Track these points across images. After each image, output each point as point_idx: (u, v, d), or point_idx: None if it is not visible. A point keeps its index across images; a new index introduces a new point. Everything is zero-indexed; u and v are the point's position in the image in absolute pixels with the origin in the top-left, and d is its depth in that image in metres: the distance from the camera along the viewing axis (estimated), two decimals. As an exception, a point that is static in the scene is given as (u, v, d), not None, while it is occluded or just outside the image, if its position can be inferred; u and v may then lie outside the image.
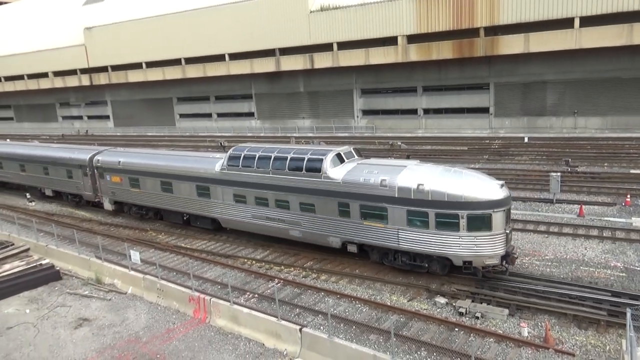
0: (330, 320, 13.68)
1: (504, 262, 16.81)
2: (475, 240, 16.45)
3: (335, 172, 19.34)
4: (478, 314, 14.85)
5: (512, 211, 24.73)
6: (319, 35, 54.54)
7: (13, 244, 24.60)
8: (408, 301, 16.37)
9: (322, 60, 55.37)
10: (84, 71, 77.36)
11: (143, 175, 27.33)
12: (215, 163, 23.82)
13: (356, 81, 57.36)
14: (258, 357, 14.04)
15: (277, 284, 18.43)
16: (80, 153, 32.03)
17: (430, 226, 16.99)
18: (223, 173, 23.15)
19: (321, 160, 19.71)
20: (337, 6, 52.97)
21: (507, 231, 16.70)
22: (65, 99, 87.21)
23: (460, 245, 16.63)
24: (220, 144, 51.52)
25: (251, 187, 22.05)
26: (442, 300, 16.03)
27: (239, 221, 23.26)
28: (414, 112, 54.76)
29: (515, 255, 17.19)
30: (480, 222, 16.38)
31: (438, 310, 15.64)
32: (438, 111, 53.67)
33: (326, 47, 54.61)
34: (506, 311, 14.87)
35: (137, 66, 70.97)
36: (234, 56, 61.93)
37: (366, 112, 58.29)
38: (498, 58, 47.18)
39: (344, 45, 53.55)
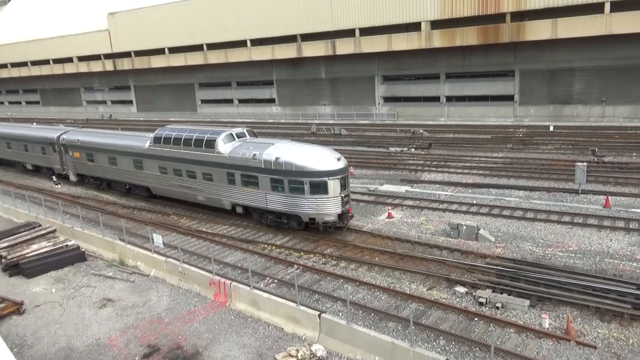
0: (349, 307, 13.76)
1: (342, 220, 21.37)
2: (316, 201, 20.98)
3: (225, 148, 23.83)
4: (498, 304, 14.74)
5: (534, 201, 24.49)
6: (340, 21, 53.99)
7: (40, 225, 25.28)
8: (427, 290, 16.33)
9: (344, 47, 54.88)
10: (108, 56, 78.30)
11: (96, 151, 32.40)
12: (146, 141, 28.52)
13: (378, 67, 56.77)
14: (277, 341, 14.22)
15: (296, 269, 18.57)
16: (51, 132, 37.28)
17: (286, 190, 21.49)
18: (150, 149, 27.90)
19: (215, 139, 24.28)
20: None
21: (342, 195, 21.15)
22: (90, 83, 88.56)
23: (305, 205, 21.20)
24: (241, 129, 51.79)
25: (169, 160, 26.88)
26: (462, 289, 15.95)
27: (163, 189, 28.35)
28: (436, 99, 54.02)
29: (350, 215, 21.82)
30: (319, 187, 20.84)
31: (458, 299, 15.57)
32: (461, 99, 52.84)
33: (348, 33, 54.08)
34: (527, 302, 14.71)
35: (160, 52, 71.48)
36: (256, 42, 61.83)
37: (388, 99, 57.74)
38: (524, 44, 46.09)
39: (366, 31, 52.94)
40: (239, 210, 24.26)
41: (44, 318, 16.79)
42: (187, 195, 26.81)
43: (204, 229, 24.08)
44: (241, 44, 62.91)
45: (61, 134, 35.68)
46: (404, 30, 50.60)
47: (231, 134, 24.51)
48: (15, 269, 20.72)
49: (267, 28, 59.62)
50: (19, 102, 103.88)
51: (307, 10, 56.06)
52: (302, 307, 14.56)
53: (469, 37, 46.96)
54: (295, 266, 18.88)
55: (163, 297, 17.66)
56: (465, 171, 31.34)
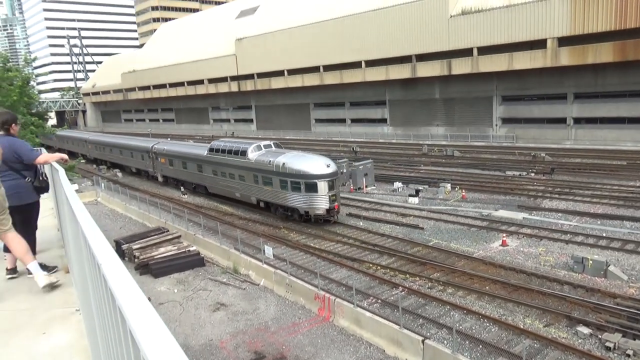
0: (455, 336, 13.17)
1: (330, 214, 26.77)
2: (309, 198, 26.60)
3: (253, 156, 30.35)
4: (629, 352, 13.07)
5: (681, 238, 21.44)
6: (458, 40, 52.75)
7: (168, 230, 27.91)
8: (544, 327, 15.03)
9: (461, 66, 53.42)
10: (234, 78, 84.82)
11: (174, 157, 41.01)
12: (205, 149, 36.19)
13: (497, 87, 54.24)
14: (378, 362, 14.05)
15: (401, 291, 18.25)
16: (147, 143, 47.95)
17: (289, 189, 27.29)
18: (207, 156, 35.46)
19: (247, 148, 31.08)
20: (480, 9, 50.70)
21: (330, 194, 26.41)
22: (216, 103, 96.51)
23: (301, 201, 26.92)
24: (353, 149, 52.55)
25: (218, 165, 34.19)
26: (585, 330, 14.42)
27: (215, 187, 35.61)
28: (562, 121, 50.00)
29: (337, 210, 26.92)
30: (311, 187, 26.43)
31: (580, 341, 14.11)
32: (592, 120, 48.30)
33: (465, 53, 52.61)
34: (667, 353, 12.86)
35: (279, 73, 75.74)
36: (370, 63, 62.77)
37: (506, 121, 54.77)
38: (671, 61, 40.96)
39: (484, 50, 51.06)
40: (262, 204, 30.77)
41: (166, 315, 18.41)
42: (229, 193, 33.99)
43: (311, 244, 24.75)
44: (356, 65, 64.26)
45: (154, 144, 45.36)
46: (527, 47, 47.91)
47: (259, 145, 31.34)
48: (145, 268, 23.08)
49: (383, 49, 60.25)
50: (157, 120, 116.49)
51: (423, 31, 55.69)
52: (405, 331, 14.25)
53: (603, 53, 43.02)
54: (400, 288, 18.56)
55: (270, 307, 18.42)
56: (594, 200, 28.46)
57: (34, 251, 6.57)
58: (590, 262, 18.40)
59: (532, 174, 36.59)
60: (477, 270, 19.61)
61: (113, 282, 2.15)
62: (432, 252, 22.12)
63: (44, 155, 6.80)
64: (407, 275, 19.79)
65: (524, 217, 26.16)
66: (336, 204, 26.84)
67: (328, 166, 26.68)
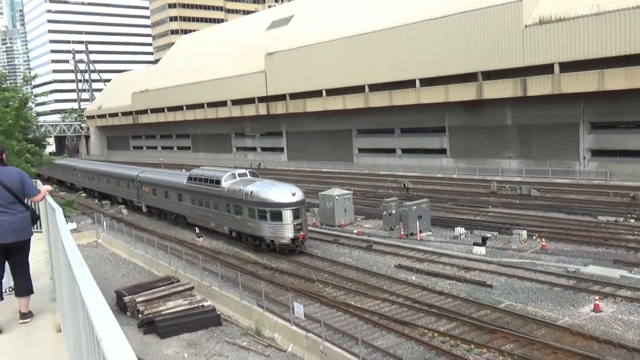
0: None
1: (295, 244, 31.31)
2: (274, 227, 31.09)
3: (226, 185, 35.51)
4: None
5: None
6: (535, 55, 52.53)
7: (178, 280, 28.21)
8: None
9: (538, 86, 52.97)
10: (262, 99, 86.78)
11: (157, 186, 47.06)
12: (184, 178, 42.23)
13: (584, 112, 53.29)
14: None
15: (464, 366, 17.63)
16: (133, 171, 54.24)
17: (256, 217, 31.84)
18: (186, 185, 41.35)
19: (221, 177, 36.52)
20: (562, 17, 50.51)
21: (295, 223, 30.73)
22: (241, 129, 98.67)
23: (267, 230, 31.49)
24: (404, 185, 52.30)
25: (196, 194, 39.73)
26: None
27: (193, 217, 41.09)
28: (669, 154, 48.42)
29: (302, 240, 31.45)
30: (276, 216, 30.81)
31: None
32: None
33: (544, 69, 52.22)
34: None
35: (316, 94, 76.94)
36: (426, 81, 63.03)
37: (597, 153, 53.49)
38: None
39: (568, 67, 50.54)
40: (234, 234, 35.75)
41: (173, 385, 18.35)
42: (205, 222, 38.97)
43: (351, 302, 24.39)
44: (409, 84, 64.69)
45: (139, 173, 51.33)
46: (622, 63, 47.13)
47: (233, 173, 36.71)
48: (150, 326, 23.25)
49: (442, 65, 60.60)
50: (172, 147, 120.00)
51: (491, 43, 55.80)
52: (469, 418, 13.65)
53: None
54: (463, 362, 17.95)
55: (300, 380, 18.09)
56: None
57: (31, 291, 7.01)
58: None
59: (632, 220, 35.36)
60: (562, 342, 18.83)
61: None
62: (503, 317, 21.45)
63: (43, 192, 7.51)
64: (472, 346, 19.19)
65: (621, 275, 25.16)
66: (301, 233, 31.12)
67: (294, 194, 31.32)
